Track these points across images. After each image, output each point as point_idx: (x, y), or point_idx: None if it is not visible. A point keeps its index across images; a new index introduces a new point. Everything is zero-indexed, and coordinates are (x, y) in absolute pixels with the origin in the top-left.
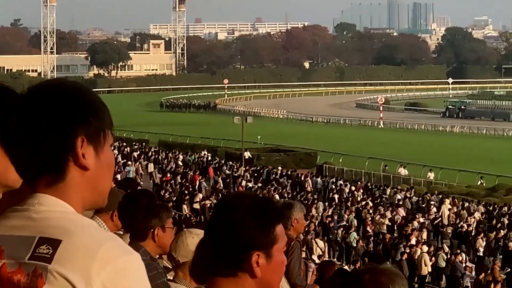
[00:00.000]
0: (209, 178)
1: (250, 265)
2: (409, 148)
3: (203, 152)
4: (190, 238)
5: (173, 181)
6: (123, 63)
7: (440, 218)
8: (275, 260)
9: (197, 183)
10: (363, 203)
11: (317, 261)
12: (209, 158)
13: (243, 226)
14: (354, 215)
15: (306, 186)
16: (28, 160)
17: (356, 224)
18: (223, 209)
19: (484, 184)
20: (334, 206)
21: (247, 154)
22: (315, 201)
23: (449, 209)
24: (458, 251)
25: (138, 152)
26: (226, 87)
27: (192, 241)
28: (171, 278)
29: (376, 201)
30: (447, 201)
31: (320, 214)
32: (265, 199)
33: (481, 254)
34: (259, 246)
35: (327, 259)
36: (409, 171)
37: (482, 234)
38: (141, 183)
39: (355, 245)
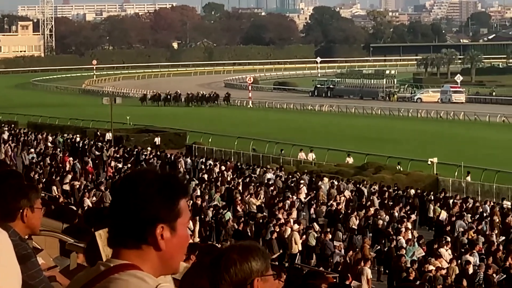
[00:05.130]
0: (81, 160)
1: (154, 238)
2: (278, 127)
3: (107, 134)
4: None
5: (42, 163)
6: None
7: (309, 197)
8: (179, 233)
9: (67, 164)
10: (233, 182)
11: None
12: (78, 139)
13: (148, 199)
14: (222, 195)
15: (179, 167)
16: None
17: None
18: (128, 184)
19: (400, 168)
20: (204, 186)
21: (157, 140)
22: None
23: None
24: (328, 229)
25: (7, 134)
26: (94, 68)
27: None
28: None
29: (246, 181)
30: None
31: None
32: (169, 174)
33: (355, 233)
34: (163, 219)
35: (197, 239)
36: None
37: (355, 213)
38: (11, 164)
39: (226, 224)
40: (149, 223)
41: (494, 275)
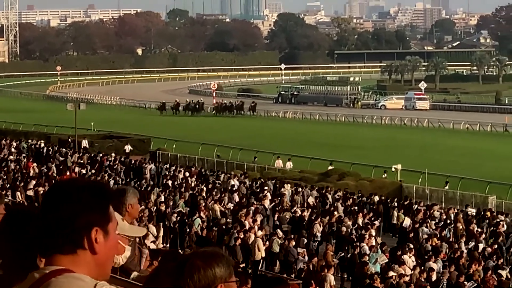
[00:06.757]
0: (46, 165)
1: (90, 241)
2: (242, 134)
3: (83, 141)
4: None
5: (6, 168)
6: None
7: (273, 203)
8: (111, 237)
9: (31, 170)
10: (197, 188)
11: (152, 246)
12: (42, 145)
13: (83, 204)
14: (186, 201)
15: (146, 173)
16: None
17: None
18: (60, 192)
19: (386, 176)
20: (168, 192)
21: (127, 148)
22: (149, 187)
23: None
24: (292, 236)
25: None
26: (59, 74)
27: None
28: None
29: (210, 187)
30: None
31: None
32: (97, 181)
33: (319, 239)
34: (97, 222)
35: (161, 245)
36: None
37: (319, 219)
38: None
39: (199, 231)
40: (84, 227)
41: (466, 282)
